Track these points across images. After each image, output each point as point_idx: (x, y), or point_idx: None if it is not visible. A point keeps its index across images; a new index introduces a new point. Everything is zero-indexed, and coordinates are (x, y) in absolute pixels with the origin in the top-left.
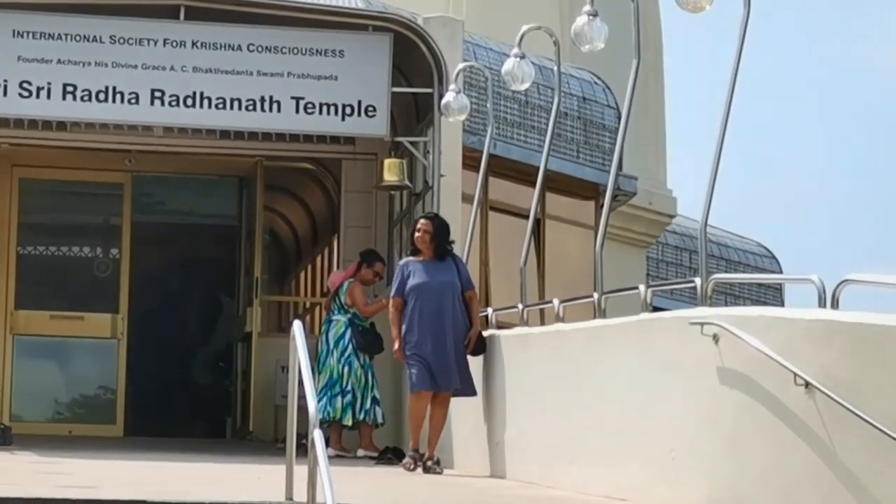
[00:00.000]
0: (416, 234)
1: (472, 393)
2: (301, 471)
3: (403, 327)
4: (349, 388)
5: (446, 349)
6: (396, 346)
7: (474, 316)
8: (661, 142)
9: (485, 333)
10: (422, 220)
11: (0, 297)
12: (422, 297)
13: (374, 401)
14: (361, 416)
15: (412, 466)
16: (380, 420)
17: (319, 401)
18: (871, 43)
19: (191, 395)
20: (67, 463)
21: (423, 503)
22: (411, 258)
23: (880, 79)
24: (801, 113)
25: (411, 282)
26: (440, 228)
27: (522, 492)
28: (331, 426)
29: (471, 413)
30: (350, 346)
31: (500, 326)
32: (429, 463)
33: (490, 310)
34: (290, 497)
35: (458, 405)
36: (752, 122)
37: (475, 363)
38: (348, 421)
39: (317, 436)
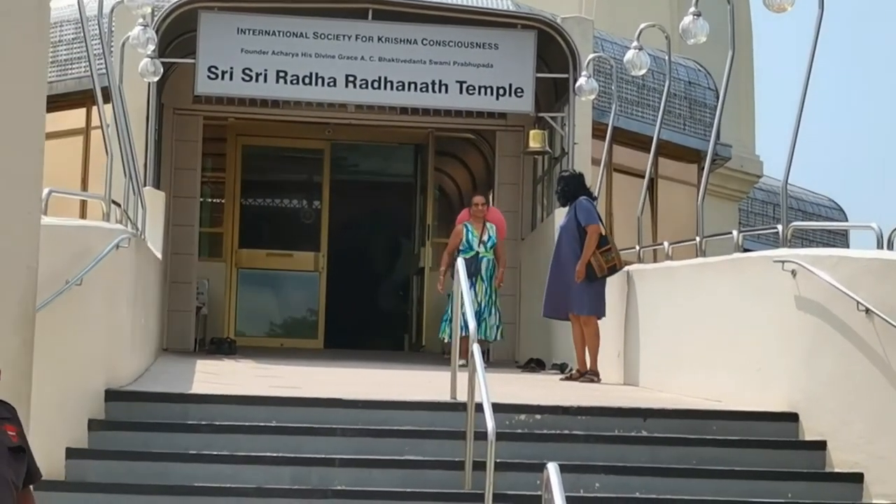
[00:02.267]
0: None
1: (585, 312)
2: (462, 377)
3: None
4: (447, 309)
5: (558, 279)
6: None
7: (585, 247)
8: (751, 116)
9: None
10: None
11: (227, 238)
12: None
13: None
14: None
15: (565, 378)
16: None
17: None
18: None
19: (376, 316)
20: (279, 369)
21: (549, 399)
22: None
23: None
24: (867, 90)
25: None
26: (557, 183)
27: (636, 394)
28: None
29: (606, 332)
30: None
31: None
32: (588, 374)
33: (637, 247)
34: (454, 397)
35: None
36: (830, 98)
37: (612, 292)
38: (442, 335)
39: (475, 349)
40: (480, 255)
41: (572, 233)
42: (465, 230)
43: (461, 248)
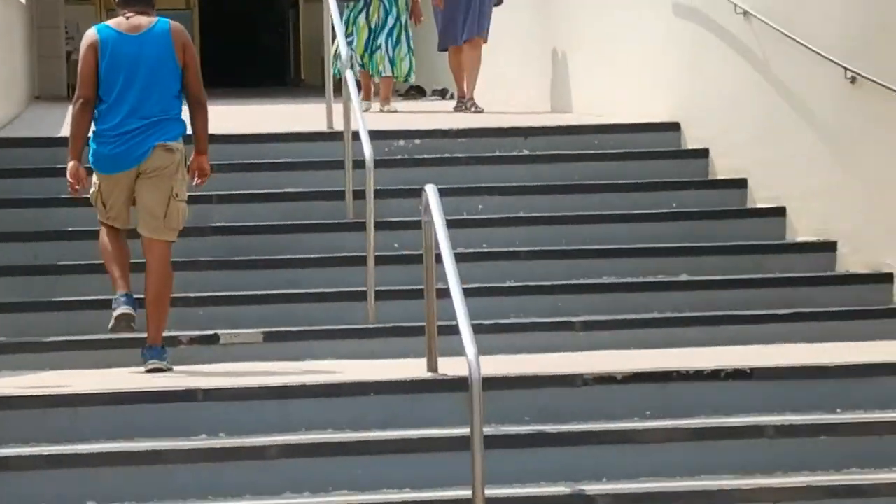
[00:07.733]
0: None
1: (486, 33)
2: (339, 107)
3: None
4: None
5: (458, 3)
6: None
7: None
8: None
9: None
10: None
11: None
12: None
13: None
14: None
15: (459, 109)
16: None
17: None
18: None
19: (254, 52)
20: None
21: (430, 124)
22: None
23: None
24: None
25: None
26: None
27: (517, 116)
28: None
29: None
30: None
31: None
32: (468, 103)
33: None
34: (330, 127)
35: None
36: None
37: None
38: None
39: (349, 76)
40: None
41: None
42: None
43: None
